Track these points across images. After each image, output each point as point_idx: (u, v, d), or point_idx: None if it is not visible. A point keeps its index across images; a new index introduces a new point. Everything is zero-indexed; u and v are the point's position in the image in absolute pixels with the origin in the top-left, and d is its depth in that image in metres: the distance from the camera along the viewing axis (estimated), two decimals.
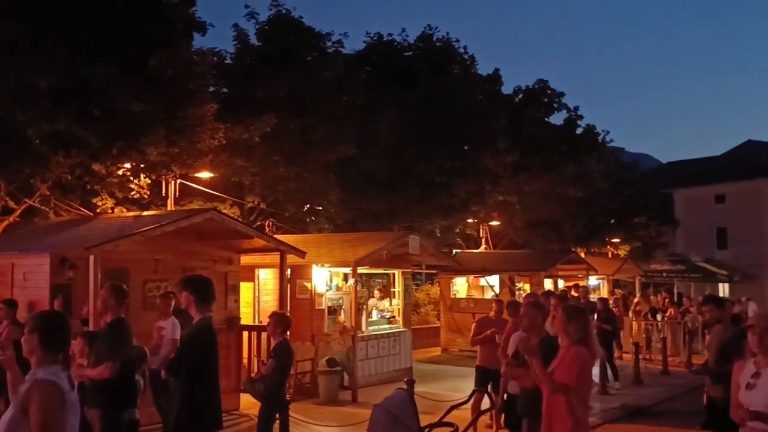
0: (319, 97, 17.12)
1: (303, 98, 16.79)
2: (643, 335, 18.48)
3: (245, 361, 11.58)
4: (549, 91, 26.79)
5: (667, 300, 25.37)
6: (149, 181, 14.14)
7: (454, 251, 22.90)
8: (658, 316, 20.43)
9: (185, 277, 5.99)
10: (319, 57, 18.39)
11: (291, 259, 11.59)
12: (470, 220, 24.46)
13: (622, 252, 31.49)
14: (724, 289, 35.32)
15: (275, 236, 13.19)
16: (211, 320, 5.27)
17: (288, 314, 8.41)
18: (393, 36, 23.38)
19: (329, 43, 18.98)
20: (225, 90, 17.31)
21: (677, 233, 43.23)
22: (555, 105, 27.01)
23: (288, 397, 8.06)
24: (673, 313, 20.43)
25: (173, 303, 8.40)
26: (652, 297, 26.79)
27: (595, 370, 11.88)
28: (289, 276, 12.16)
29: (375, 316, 14.48)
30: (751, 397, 4.31)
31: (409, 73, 21.59)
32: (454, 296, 19.84)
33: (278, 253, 11.35)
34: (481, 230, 24.81)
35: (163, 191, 14.49)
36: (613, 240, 31.44)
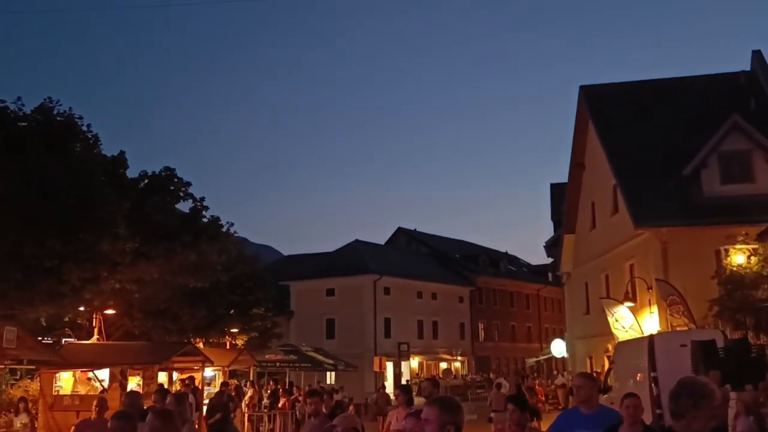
0: None
1: None
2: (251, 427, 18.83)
3: None
4: (176, 179, 26.71)
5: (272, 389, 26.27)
6: None
7: (63, 340, 20.96)
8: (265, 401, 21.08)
9: None
10: None
11: None
12: (82, 308, 22.69)
13: (240, 342, 32.12)
14: (331, 378, 38.01)
15: None
16: None
17: None
18: (6, 103, 21.26)
19: None
20: None
21: (292, 323, 45.81)
22: (181, 194, 26.97)
23: None
24: (284, 403, 21.25)
25: None
26: (265, 387, 27.58)
27: None
28: None
29: None
30: None
31: (20, 145, 19.68)
32: (57, 392, 17.96)
33: None
34: (94, 319, 23.13)
35: None
36: (231, 330, 31.95)
